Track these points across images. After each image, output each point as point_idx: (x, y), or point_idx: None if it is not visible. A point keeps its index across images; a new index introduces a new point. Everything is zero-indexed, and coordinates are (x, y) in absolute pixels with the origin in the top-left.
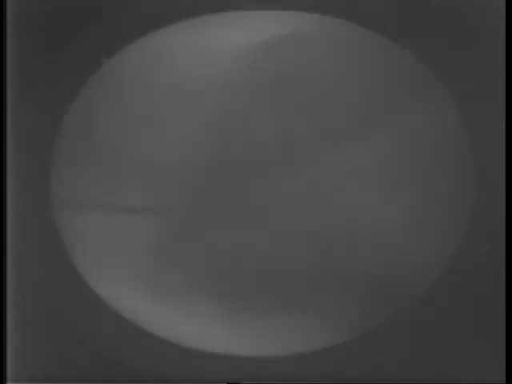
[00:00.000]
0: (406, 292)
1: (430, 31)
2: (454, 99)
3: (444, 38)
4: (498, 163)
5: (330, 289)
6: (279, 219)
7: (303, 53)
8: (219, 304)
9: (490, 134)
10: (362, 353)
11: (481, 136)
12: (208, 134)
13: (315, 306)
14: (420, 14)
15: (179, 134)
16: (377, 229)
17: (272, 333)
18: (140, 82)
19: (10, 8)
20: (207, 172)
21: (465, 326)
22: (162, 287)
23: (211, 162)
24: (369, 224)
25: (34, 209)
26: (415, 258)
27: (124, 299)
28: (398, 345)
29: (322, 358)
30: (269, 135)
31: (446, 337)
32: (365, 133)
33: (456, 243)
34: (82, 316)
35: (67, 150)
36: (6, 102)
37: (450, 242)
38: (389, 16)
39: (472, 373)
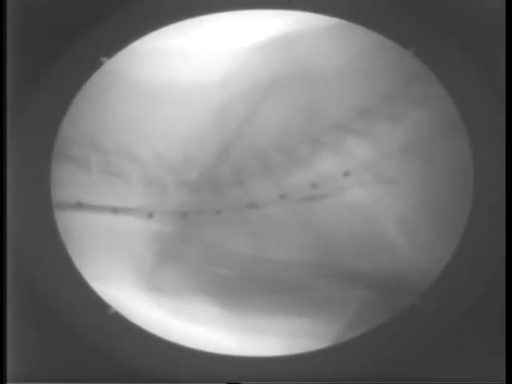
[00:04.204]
0: (406, 292)
1: (429, 31)
2: (453, 98)
3: (444, 38)
4: (498, 161)
5: (330, 288)
6: (279, 218)
7: (302, 52)
8: (219, 304)
9: (489, 132)
10: (361, 353)
11: (480, 135)
12: (207, 134)
13: (315, 305)
14: (420, 14)
15: (178, 133)
16: (376, 227)
17: (272, 333)
18: (140, 82)
19: (9, 8)
20: (206, 171)
21: (465, 325)
22: (161, 287)
23: (210, 161)
24: (368, 222)
25: (33, 209)
26: (415, 257)
27: (123, 299)
28: (397, 345)
29: (321, 358)
30: (268, 134)
31: (445, 337)
32: (365, 131)
33: (456, 241)
34: (82, 316)
35: (67, 150)
36: (6, 102)
37: (449, 240)
38: (389, 16)
39: (472, 373)
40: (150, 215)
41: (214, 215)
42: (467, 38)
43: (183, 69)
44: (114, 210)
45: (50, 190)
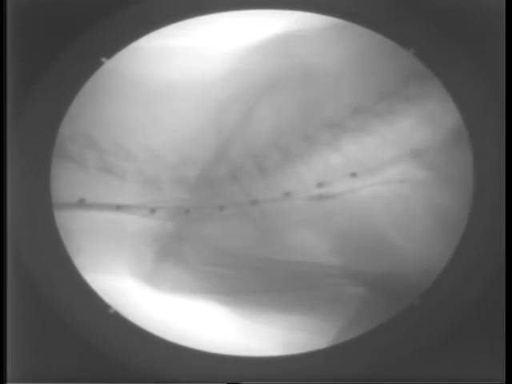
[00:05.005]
0: (406, 292)
1: (429, 31)
2: (452, 98)
3: (444, 38)
4: (498, 161)
5: (330, 288)
6: (279, 218)
7: (301, 52)
8: (219, 303)
9: (489, 132)
10: (361, 353)
11: (480, 135)
12: (207, 133)
13: (316, 305)
14: (420, 14)
15: (178, 133)
16: (376, 227)
17: (272, 332)
18: (140, 82)
19: (10, 8)
20: (206, 170)
21: (465, 325)
22: (161, 286)
23: (210, 160)
24: (368, 222)
25: (33, 208)
26: (415, 257)
27: (123, 298)
28: (397, 344)
29: (321, 358)
30: (268, 134)
31: (445, 336)
32: (364, 131)
33: (456, 241)
34: (82, 316)
35: (67, 150)
36: (6, 102)
37: (449, 240)
38: (389, 16)
39: (472, 373)
40: (149, 213)
41: (215, 214)
42: (467, 38)
43: (183, 68)
44: (114, 209)
45: (49, 189)
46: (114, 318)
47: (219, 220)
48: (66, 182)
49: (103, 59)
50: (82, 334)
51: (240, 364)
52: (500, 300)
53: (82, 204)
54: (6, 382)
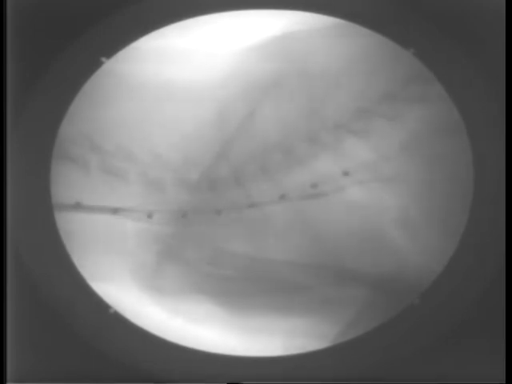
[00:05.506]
0: (406, 291)
1: (429, 31)
2: (452, 98)
3: (444, 38)
4: (498, 161)
5: (330, 289)
6: (279, 218)
7: (302, 52)
8: (219, 304)
9: (489, 132)
10: (362, 353)
11: (480, 134)
12: (207, 134)
13: (315, 305)
14: (420, 14)
15: (178, 133)
16: (376, 226)
17: (272, 333)
18: (139, 82)
19: (10, 8)
20: (206, 171)
21: (465, 325)
22: (161, 287)
23: (210, 161)
24: (368, 222)
25: (33, 209)
26: (415, 257)
27: (123, 299)
28: (397, 344)
29: (321, 358)
30: (268, 134)
31: (445, 336)
32: (364, 131)
33: (456, 241)
34: (82, 316)
35: (67, 150)
36: (6, 102)
37: (450, 239)
38: (389, 16)
39: (472, 373)
40: (149, 215)
41: (214, 215)
42: (467, 38)
43: (183, 69)
44: (114, 211)
45: (49, 190)
46: (113, 318)
47: (219, 222)
48: (67, 183)
49: (103, 59)
50: (82, 333)
51: (240, 364)
52: (500, 300)
53: (81, 206)
54: (5, 382)
